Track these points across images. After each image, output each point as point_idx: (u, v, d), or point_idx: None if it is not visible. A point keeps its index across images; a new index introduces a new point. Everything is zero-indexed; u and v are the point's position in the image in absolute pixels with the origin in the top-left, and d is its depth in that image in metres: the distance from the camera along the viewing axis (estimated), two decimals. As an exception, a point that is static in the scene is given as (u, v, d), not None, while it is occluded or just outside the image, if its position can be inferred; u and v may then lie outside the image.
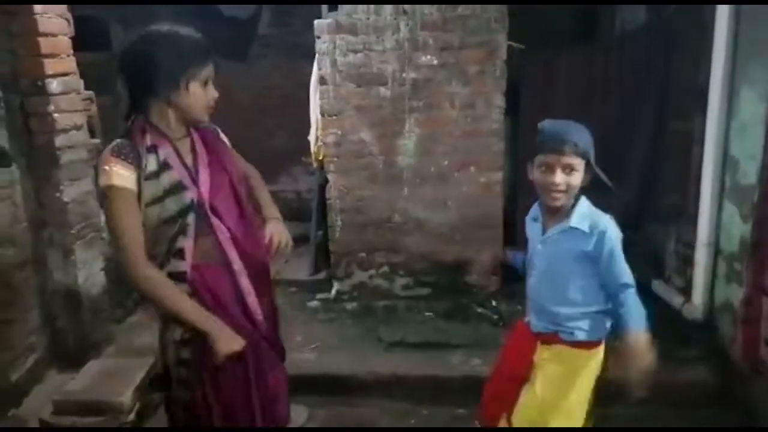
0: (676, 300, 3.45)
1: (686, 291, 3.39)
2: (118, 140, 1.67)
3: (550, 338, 1.98)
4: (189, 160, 1.75)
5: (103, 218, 3.53)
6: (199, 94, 1.70)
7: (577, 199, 1.91)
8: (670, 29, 3.57)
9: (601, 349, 2.00)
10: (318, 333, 3.64)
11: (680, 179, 3.47)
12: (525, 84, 3.86)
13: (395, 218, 3.91)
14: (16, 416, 2.85)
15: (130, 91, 1.73)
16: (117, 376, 2.89)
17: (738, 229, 2.91)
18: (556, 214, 1.93)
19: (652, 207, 3.90)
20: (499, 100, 3.69)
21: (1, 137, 2.86)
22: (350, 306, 3.95)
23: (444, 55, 3.63)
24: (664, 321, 3.42)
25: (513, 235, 3.76)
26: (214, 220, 1.74)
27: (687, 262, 3.42)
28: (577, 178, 1.85)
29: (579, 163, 1.83)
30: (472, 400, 2.38)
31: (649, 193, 3.89)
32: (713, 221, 3.11)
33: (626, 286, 1.85)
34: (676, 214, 3.61)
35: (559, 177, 1.83)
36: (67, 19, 3.10)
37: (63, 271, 3.18)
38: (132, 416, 2.73)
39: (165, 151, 1.69)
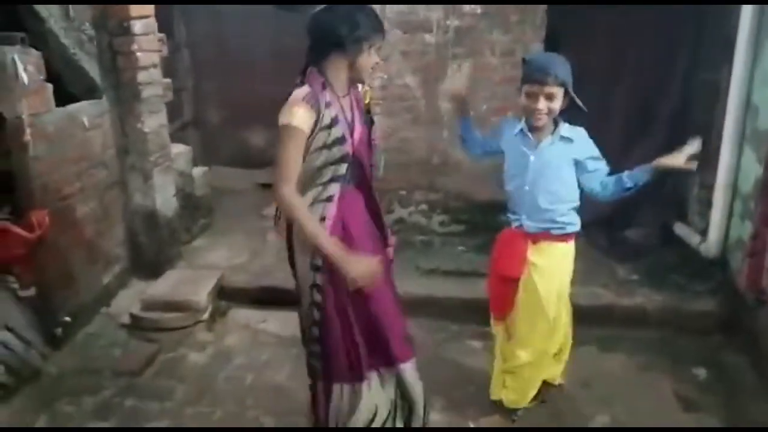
0: (694, 239, 3.72)
1: (705, 231, 3.64)
2: (308, 89, 1.97)
3: (541, 236, 2.35)
4: (350, 117, 2.06)
5: (175, 147, 4.00)
6: (371, 58, 2.02)
7: (557, 122, 2.28)
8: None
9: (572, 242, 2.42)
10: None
11: (706, 127, 3.67)
12: (564, 34, 4.06)
13: (434, 159, 4.23)
14: (107, 313, 3.37)
15: (316, 46, 2.00)
16: (192, 283, 3.37)
17: (754, 171, 3.13)
18: (542, 132, 2.28)
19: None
20: (539, 48, 3.91)
21: (93, 72, 3.27)
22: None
23: (487, 5, 3.86)
24: (683, 259, 3.75)
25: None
26: (358, 168, 2.10)
27: (708, 204, 3.65)
28: (557, 104, 2.19)
29: (558, 91, 2.16)
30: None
31: (678, 139, 4.09)
32: (733, 164, 3.35)
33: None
34: (700, 160, 3.82)
35: (542, 103, 2.17)
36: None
37: (143, 193, 3.64)
38: (206, 315, 3.20)
39: (336, 109, 2.00)
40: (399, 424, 2.30)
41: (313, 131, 1.95)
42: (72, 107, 3.10)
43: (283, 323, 3.29)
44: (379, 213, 2.26)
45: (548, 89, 2.15)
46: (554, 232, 2.35)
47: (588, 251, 4.07)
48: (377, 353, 2.20)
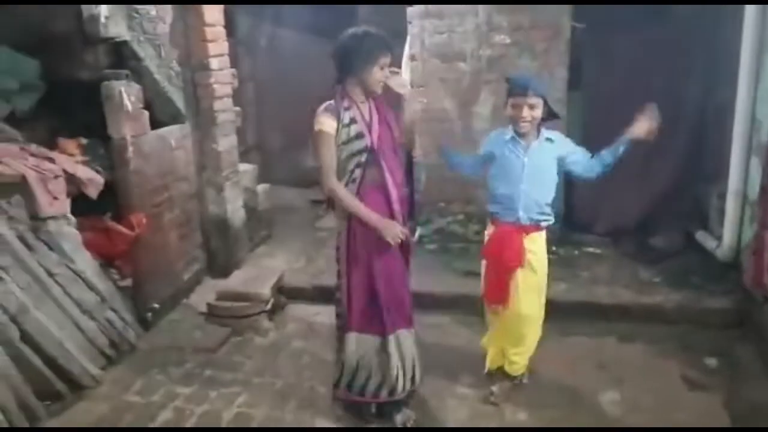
0: (712, 244, 4.02)
1: (721, 237, 3.94)
2: (329, 101, 2.54)
3: (533, 228, 2.78)
4: (368, 118, 2.58)
5: (241, 166, 4.60)
6: (377, 75, 2.52)
7: (539, 128, 2.75)
8: (718, 10, 4.07)
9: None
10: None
11: (721, 142, 3.99)
12: (586, 60, 4.49)
13: (471, 174, 4.67)
14: (187, 304, 3.96)
15: (337, 69, 2.54)
16: (257, 279, 3.91)
17: (759, 179, 3.45)
18: (528, 138, 2.74)
19: (699, 169, 4.43)
20: (563, 73, 4.34)
21: (178, 102, 3.91)
22: (431, 246, 4.78)
23: (515, 35, 4.34)
24: (702, 263, 4.05)
25: (571, 191, 4.43)
26: (379, 159, 2.57)
27: (724, 213, 3.95)
28: (538, 112, 2.67)
29: (538, 102, 2.65)
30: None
31: (695, 157, 4.42)
32: (742, 174, 3.66)
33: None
34: (717, 173, 4.14)
35: (526, 112, 2.64)
36: (223, 12, 4.11)
37: (216, 204, 4.24)
38: (269, 306, 3.73)
39: (353, 111, 2.54)
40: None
41: (337, 131, 2.50)
42: (162, 130, 3.74)
43: (332, 317, 3.75)
44: (402, 206, 2.71)
45: (530, 100, 2.63)
46: (542, 222, 2.80)
47: (615, 258, 4.43)
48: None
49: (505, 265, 2.80)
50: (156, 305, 3.63)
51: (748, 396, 2.93)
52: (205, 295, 3.96)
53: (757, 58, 3.46)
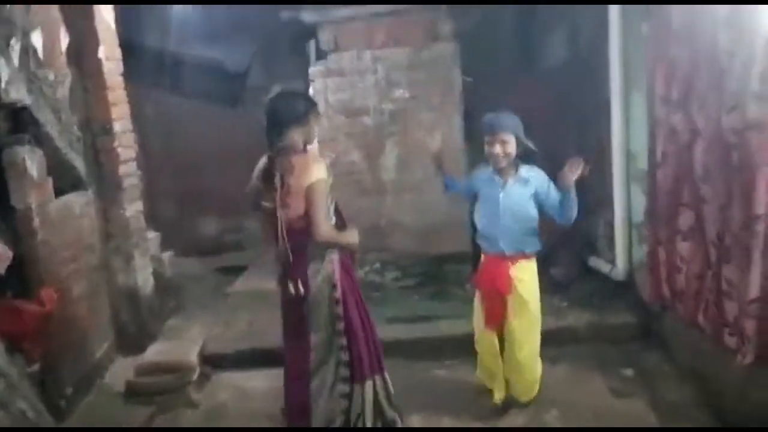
0: (606, 268, 4.44)
1: (613, 260, 4.37)
2: (310, 152, 2.72)
3: (518, 257, 2.97)
4: None
5: (150, 233, 4.39)
6: (316, 125, 2.75)
7: (518, 164, 2.94)
8: (586, 60, 4.67)
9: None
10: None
11: (601, 176, 4.48)
12: (478, 110, 4.88)
13: (382, 223, 4.82)
14: (103, 385, 3.61)
15: (278, 123, 2.64)
16: (178, 351, 3.68)
17: (641, 203, 3.91)
18: (505, 173, 2.93)
19: (583, 202, 4.91)
20: (459, 122, 4.70)
21: (80, 168, 3.70)
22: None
23: (413, 89, 4.65)
24: (601, 285, 4.45)
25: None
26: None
27: (612, 238, 4.40)
28: (510, 148, 2.86)
29: (510, 138, 2.85)
30: (459, 354, 3.60)
31: (580, 190, 4.90)
32: (625, 202, 4.13)
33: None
34: (600, 204, 4.62)
35: (498, 148, 2.86)
36: (122, 75, 4.00)
37: (125, 273, 3.99)
38: (195, 377, 3.51)
39: None
40: None
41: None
42: (66, 197, 3.49)
43: (266, 379, 3.59)
44: None
45: (500, 136, 2.83)
46: (527, 251, 2.98)
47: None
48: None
49: (495, 292, 2.96)
50: (69, 389, 3.28)
51: (666, 397, 3.23)
52: (120, 373, 3.65)
53: (626, 98, 3.99)
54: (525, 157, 2.97)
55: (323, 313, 2.68)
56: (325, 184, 2.57)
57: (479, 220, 3.05)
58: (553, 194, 2.90)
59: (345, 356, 2.69)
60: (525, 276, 2.98)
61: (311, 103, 2.75)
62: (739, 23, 2.48)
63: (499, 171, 2.94)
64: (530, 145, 2.93)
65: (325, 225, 2.54)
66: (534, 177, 2.94)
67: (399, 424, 2.83)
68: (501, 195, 2.94)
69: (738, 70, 2.50)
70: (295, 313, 2.71)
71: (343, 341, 2.68)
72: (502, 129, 2.83)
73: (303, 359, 2.71)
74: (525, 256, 2.99)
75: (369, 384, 2.71)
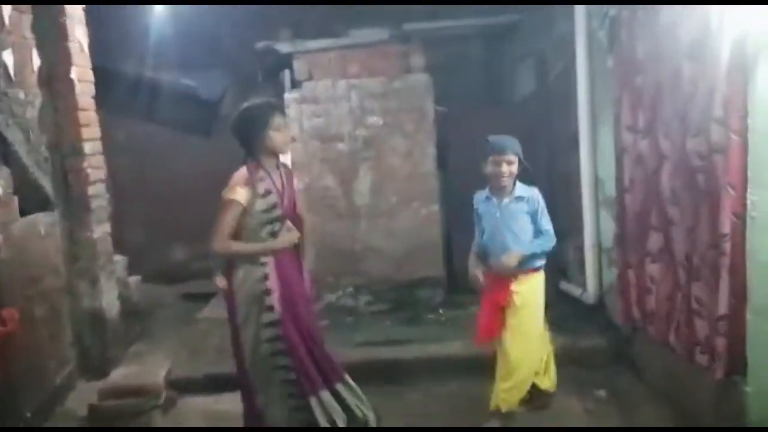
0: (577, 292, 4.49)
1: (584, 284, 4.43)
2: (245, 170, 2.69)
3: (516, 272, 3.01)
4: (280, 187, 2.77)
5: (117, 257, 4.29)
6: (277, 137, 2.74)
7: (515, 183, 3.04)
8: (553, 91, 4.81)
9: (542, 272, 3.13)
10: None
11: (569, 204, 4.58)
12: (450, 137, 4.98)
13: (356, 247, 4.81)
14: (64, 410, 3.46)
15: (242, 141, 2.74)
16: (143, 374, 3.57)
17: (610, 228, 3.99)
18: (503, 192, 3.03)
19: (556, 229, 5.00)
20: (431, 149, 4.77)
21: (47, 188, 3.61)
22: (321, 323, 4.73)
23: (387, 117, 4.71)
24: (573, 309, 4.49)
25: (450, 254, 4.74)
26: (288, 225, 2.79)
27: (582, 263, 4.48)
28: (515, 167, 2.99)
29: (514, 159, 2.98)
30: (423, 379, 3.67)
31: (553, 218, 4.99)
32: (595, 226, 4.22)
33: (545, 231, 3.05)
34: (570, 230, 4.71)
35: (504, 168, 2.96)
36: (93, 97, 3.96)
37: (90, 297, 3.87)
38: (161, 400, 3.39)
39: (267, 182, 2.72)
40: None
41: (250, 202, 2.65)
42: (31, 217, 3.40)
43: (234, 402, 3.49)
44: (301, 262, 2.93)
45: (507, 158, 2.96)
46: (526, 266, 3.03)
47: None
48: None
49: (493, 301, 3.05)
50: (29, 415, 3.13)
51: (639, 417, 3.25)
52: (82, 398, 3.50)
53: (593, 128, 4.12)
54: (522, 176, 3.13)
55: (251, 334, 2.73)
56: (234, 206, 2.63)
57: (484, 239, 3.14)
58: (540, 221, 3.05)
59: (290, 375, 2.73)
60: (523, 289, 3.06)
61: (265, 116, 2.72)
62: (701, 54, 2.60)
63: (497, 190, 3.05)
64: (527, 165, 3.09)
65: (218, 240, 2.64)
66: (529, 198, 3.06)
67: (377, 424, 2.84)
68: (498, 213, 3.05)
69: (701, 97, 2.61)
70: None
71: (285, 361, 2.72)
72: (511, 150, 2.97)
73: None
74: (526, 271, 3.05)
75: (325, 394, 2.73)
